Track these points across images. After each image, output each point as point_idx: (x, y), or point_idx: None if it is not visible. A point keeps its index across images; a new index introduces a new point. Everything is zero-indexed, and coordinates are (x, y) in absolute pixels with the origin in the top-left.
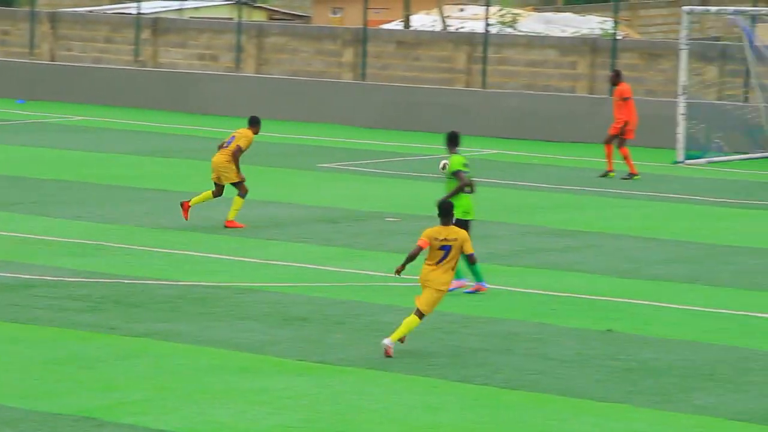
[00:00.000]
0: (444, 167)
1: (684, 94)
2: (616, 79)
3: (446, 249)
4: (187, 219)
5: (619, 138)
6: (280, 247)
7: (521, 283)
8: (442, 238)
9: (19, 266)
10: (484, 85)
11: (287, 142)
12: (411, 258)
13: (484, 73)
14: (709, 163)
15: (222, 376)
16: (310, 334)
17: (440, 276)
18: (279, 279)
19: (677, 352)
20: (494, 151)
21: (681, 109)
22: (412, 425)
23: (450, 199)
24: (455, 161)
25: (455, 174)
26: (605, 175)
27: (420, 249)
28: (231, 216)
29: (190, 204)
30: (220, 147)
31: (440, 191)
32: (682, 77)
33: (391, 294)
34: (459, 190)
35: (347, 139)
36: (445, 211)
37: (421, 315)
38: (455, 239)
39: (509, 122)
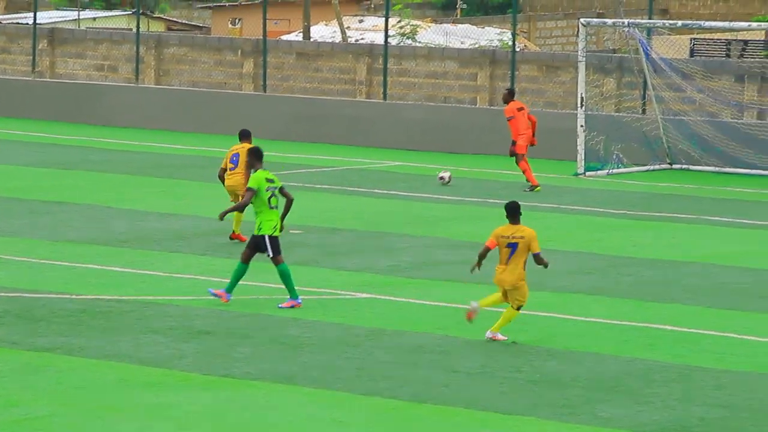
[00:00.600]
0: (447, 179)
1: (583, 106)
2: (508, 97)
3: (513, 246)
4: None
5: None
6: (185, 260)
7: (425, 295)
8: (508, 235)
9: None
10: (385, 96)
11: (189, 153)
12: (481, 257)
13: (384, 84)
14: (609, 174)
15: (127, 391)
16: (215, 348)
17: (510, 275)
18: (183, 292)
19: (582, 364)
20: (396, 163)
21: (580, 121)
22: None
23: None
24: (257, 177)
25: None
26: (532, 189)
27: (487, 249)
28: (237, 228)
29: (237, 233)
30: (226, 170)
31: (342, 203)
32: (581, 89)
33: (297, 308)
34: (239, 207)
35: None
36: (512, 210)
37: (519, 308)
38: (522, 237)
39: (411, 134)
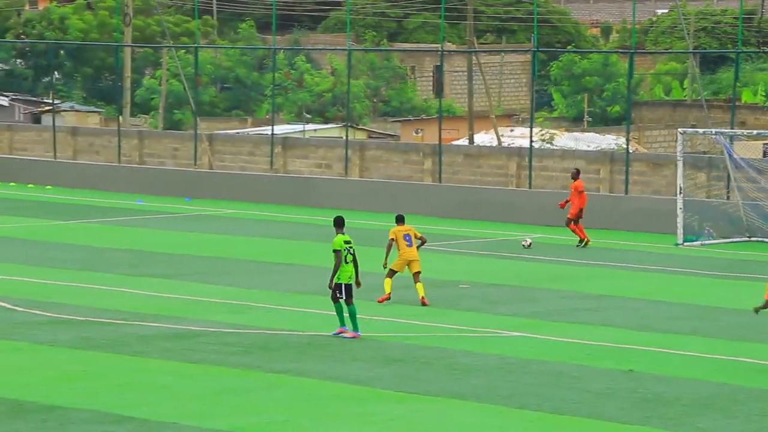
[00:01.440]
0: (528, 245)
1: (681, 193)
2: (576, 175)
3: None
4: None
5: (575, 219)
6: (380, 307)
7: (563, 334)
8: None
9: (188, 320)
10: (530, 186)
11: (383, 229)
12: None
13: (530, 177)
14: (702, 245)
15: (340, 403)
16: (405, 372)
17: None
18: (380, 330)
19: (684, 387)
20: (538, 235)
21: (679, 204)
22: None
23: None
24: (337, 241)
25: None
26: (584, 244)
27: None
28: (423, 293)
29: (389, 296)
30: (394, 242)
31: (498, 265)
32: (680, 181)
33: (467, 342)
34: (336, 268)
35: (428, 226)
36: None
37: None
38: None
39: (549, 214)
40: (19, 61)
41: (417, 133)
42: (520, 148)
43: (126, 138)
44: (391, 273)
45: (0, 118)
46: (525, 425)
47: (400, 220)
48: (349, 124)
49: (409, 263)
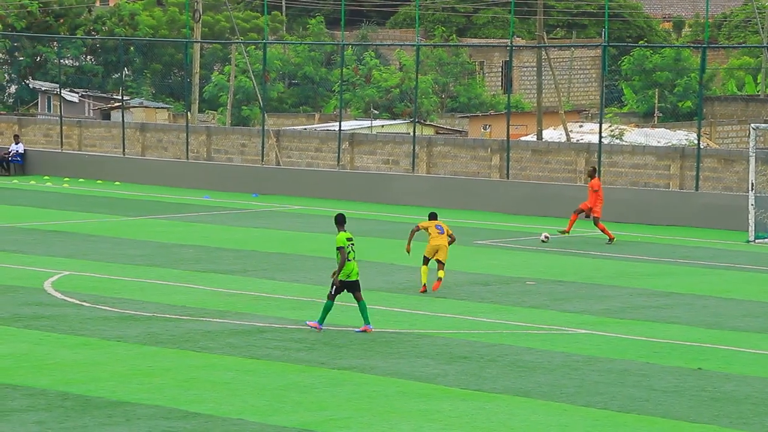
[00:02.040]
0: (545, 239)
1: (753, 189)
2: (593, 173)
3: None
4: (434, 290)
5: (593, 217)
6: (445, 304)
7: (630, 331)
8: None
9: (254, 316)
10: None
11: (449, 224)
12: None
13: (599, 173)
14: None
15: (404, 399)
16: (470, 369)
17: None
18: (445, 327)
19: (753, 386)
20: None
21: (751, 200)
22: None
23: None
24: (340, 238)
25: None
26: (610, 242)
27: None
28: (441, 275)
29: (424, 287)
30: (419, 230)
31: (566, 262)
32: (752, 177)
33: (532, 339)
34: (341, 266)
35: (496, 222)
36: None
37: None
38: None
39: (618, 210)
40: (89, 57)
41: (485, 129)
42: (589, 144)
43: (194, 134)
44: (425, 260)
45: (70, 114)
46: (590, 423)
47: (432, 217)
48: (416, 120)
49: (437, 250)
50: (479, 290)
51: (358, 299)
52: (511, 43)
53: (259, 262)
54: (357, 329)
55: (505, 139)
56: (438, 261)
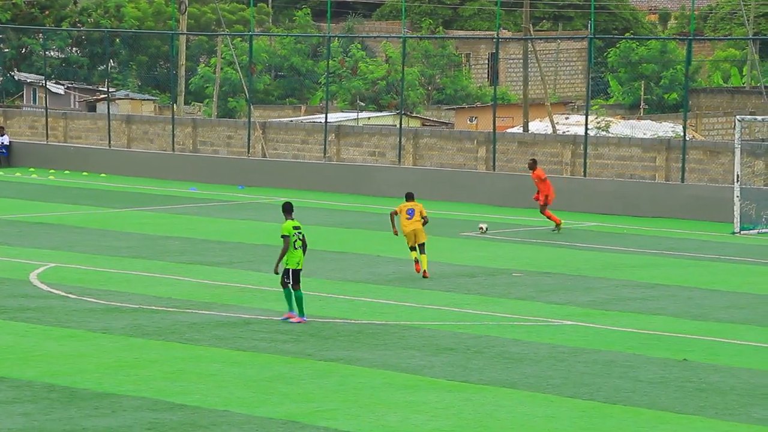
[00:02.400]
0: (485, 229)
1: (738, 181)
2: (533, 165)
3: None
4: (427, 276)
5: (543, 205)
6: (432, 295)
7: (616, 323)
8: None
9: (240, 308)
10: (584, 174)
11: (436, 216)
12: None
13: (584, 165)
14: (759, 233)
15: (391, 391)
16: (456, 360)
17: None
18: (431, 319)
19: (738, 377)
20: (593, 224)
21: (736, 192)
22: (536, 430)
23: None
24: (286, 226)
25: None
26: (557, 228)
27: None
28: (426, 266)
29: (424, 270)
30: (397, 214)
31: (552, 254)
32: (737, 169)
33: (518, 331)
34: (282, 254)
35: (481, 214)
36: (288, 208)
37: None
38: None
39: (605, 202)
40: (74, 49)
41: (471, 121)
42: (575, 136)
43: (180, 126)
44: (411, 248)
45: (56, 106)
46: (577, 414)
47: (409, 197)
48: (403, 112)
49: (414, 234)
50: (465, 282)
51: (295, 289)
52: (497, 35)
53: (245, 253)
54: (291, 320)
55: (492, 131)
56: (419, 245)
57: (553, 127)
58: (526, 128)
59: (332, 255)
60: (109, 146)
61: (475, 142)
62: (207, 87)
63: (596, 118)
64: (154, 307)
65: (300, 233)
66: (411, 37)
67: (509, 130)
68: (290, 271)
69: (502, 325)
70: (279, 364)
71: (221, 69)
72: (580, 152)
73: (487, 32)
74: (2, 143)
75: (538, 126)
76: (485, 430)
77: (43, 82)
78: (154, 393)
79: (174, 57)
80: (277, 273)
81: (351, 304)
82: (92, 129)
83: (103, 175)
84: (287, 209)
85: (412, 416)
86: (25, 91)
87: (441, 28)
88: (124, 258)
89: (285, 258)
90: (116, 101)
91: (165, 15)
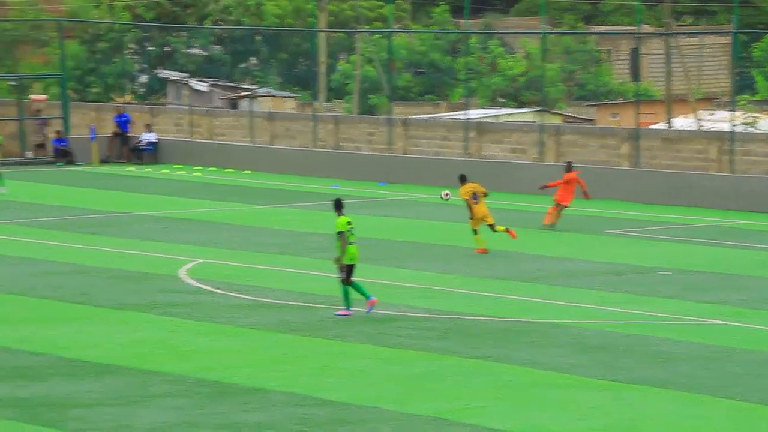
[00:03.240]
0: (446, 196)
1: None
2: (569, 167)
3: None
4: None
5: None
6: (578, 293)
7: None
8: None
9: (386, 305)
10: (731, 171)
11: (581, 214)
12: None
13: (731, 162)
14: None
15: (540, 389)
16: (605, 359)
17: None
18: (579, 317)
19: None
20: (741, 222)
21: None
22: (688, 430)
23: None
24: (340, 222)
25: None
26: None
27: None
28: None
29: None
30: (475, 201)
31: (700, 251)
32: None
33: (668, 330)
34: (343, 250)
35: (626, 211)
36: (338, 204)
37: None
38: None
39: (753, 199)
40: (217, 47)
41: (613, 117)
42: (721, 132)
43: (321, 123)
44: (474, 232)
45: (199, 103)
46: (729, 415)
47: (462, 179)
48: (543, 109)
49: (483, 217)
50: (612, 280)
51: (347, 284)
52: (638, 31)
53: (390, 250)
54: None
55: (635, 127)
56: (490, 226)
57: (698, 123)
58: (669, 124)
59: (477, 252)
60: (253, 143)
61: (618, 138)
62: (347, 84)
63: (743, 113)
64: (299, 303)
65: (352, 228)
66: (551, 33)
67: (652, 127)
68: (348, 266)
69: (652, 323)
70: (426, 361)
71: (361, 66)
72: (726, 149)
73: (628, 27)
74: (148, 140)
75: (682, 122)
76: (636, 431)
77: (187, 79)
78: (303, 388)
79: (314, 54)
80: (342, 270)
81: (497, 301)
82: (235, 126)
83: (247, 171)
84: (338, 205)
85: (561, 415)
86: (168, 89)
87: (581, 23)
88: (269, 254)
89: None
90: (258, 98)
91: (305, 12)
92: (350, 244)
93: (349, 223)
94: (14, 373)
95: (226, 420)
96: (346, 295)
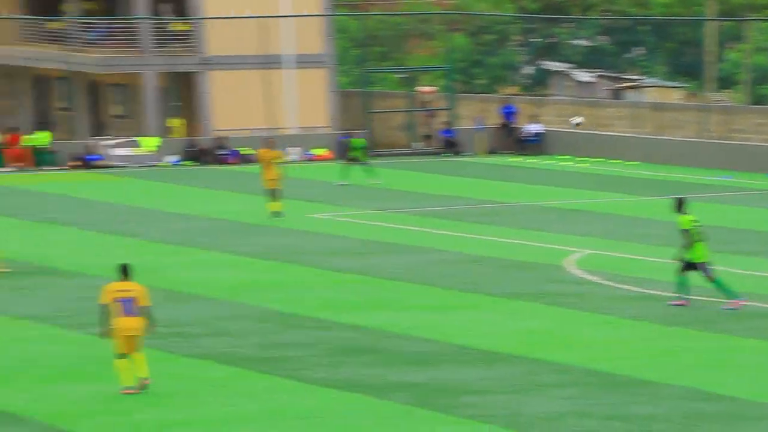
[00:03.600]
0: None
1: None
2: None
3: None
4: None
5: None
6: None
7: None
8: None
9: None
10: None
11: None
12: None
13: None
14: None
15: None
16: None
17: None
18: None
19: None
20: None
21: None
22: None
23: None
24: (684, 220)
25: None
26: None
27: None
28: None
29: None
30: None
31: None
32: None
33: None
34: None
35: None
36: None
37: None
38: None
39: None
40: (603, 37)
41: None
42: None
43: (710, 113)
44: None
45: (583, 94)
46: None
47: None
48: None
49: None
50: None
51: (711, 280)
52: None
53: None
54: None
55: None
56: None
57: None
58: None
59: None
60: (637, 134)
61: None
62: (737, 73)
63: None
64: (693, 297)
65: (698, 226)
66: None
67: None
68: (696, 264)
69: None
70: None
71: (751, 55)
72: None
73: None
74: (533, 131)
75: None
76: None
77: (570, 70)
78: (691, 382)
79: (701, 43)
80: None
81: None
82: (619, 117)
83: (633, 162)
84: (680, 204)
85: None
86: (552, 80)
87: None
88: (654, 246)
89: (691, 252)
90: (643, 88)
91: (693, 1)
92: (697, 242)
93: (694, 221)
94: (408, 359)
95: (616, 411)
96: (682, 285)
